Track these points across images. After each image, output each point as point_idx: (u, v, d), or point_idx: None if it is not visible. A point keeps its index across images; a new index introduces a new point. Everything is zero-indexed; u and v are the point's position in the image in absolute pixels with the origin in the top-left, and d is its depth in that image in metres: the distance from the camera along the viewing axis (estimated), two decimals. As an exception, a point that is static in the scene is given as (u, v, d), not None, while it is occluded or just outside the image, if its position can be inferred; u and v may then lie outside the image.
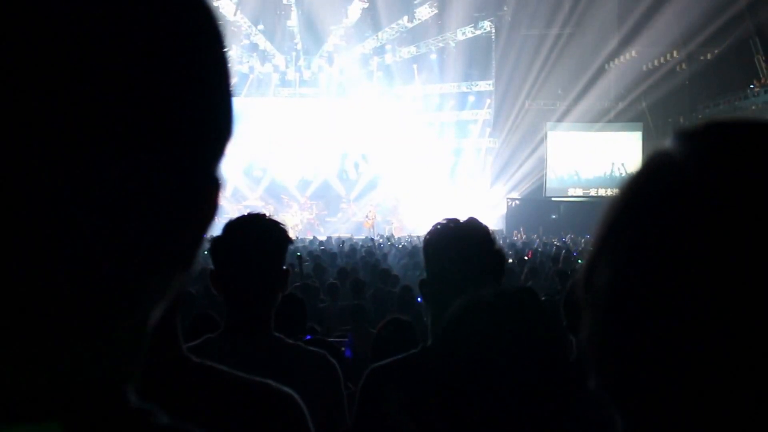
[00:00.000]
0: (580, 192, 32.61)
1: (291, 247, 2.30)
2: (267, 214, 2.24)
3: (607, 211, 0.60)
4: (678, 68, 30.51)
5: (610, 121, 32.66)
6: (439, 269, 2.13)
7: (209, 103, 0.48)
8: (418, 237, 23.21)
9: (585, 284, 0.61)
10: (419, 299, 8.43)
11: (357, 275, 10.17)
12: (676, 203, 0.53)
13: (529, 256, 16.56)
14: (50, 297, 0.42)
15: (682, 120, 30.52)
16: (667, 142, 0.58)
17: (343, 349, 4.12)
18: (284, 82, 34.15)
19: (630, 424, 0.57)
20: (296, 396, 1.57)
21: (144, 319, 0.49)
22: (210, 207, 0.50)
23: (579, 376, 1.19)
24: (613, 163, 32.25)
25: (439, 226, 2.19)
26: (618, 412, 0.59)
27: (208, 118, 0.48)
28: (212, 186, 0.50)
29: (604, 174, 32.44)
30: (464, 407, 1.32)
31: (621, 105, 32.43)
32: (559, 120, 32.65)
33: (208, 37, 0.48)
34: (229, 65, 0.51)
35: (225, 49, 0.50)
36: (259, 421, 1.47)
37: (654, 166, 0.58)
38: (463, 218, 2.21)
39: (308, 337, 4.40)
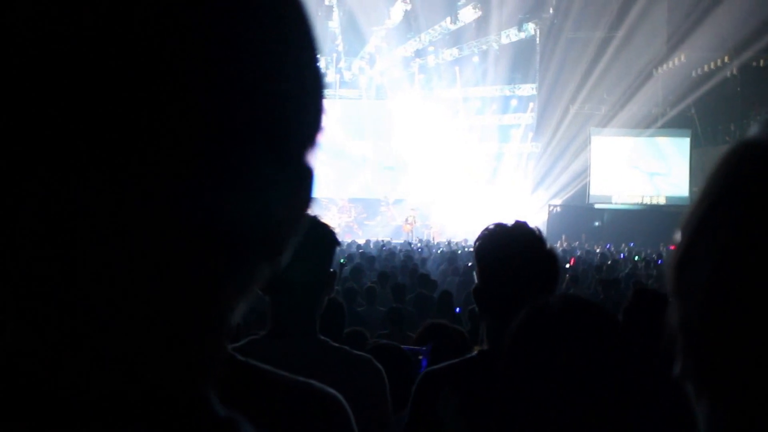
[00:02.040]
0: (624, 199, 32.08)
1: None
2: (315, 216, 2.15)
3: (701, 199, 0.61)
4: (729, 74, 29.79)
5: (656, 128, 32.09)
6: (492, 276, 2.11)
7: (303, 89, 0.48)
8: (457, 243, 22.97)
9: (677, 271, 0.62)
10: (458, 310, 8.42)
11: (396, 280, 10.02)
12: None
13: (572, 263, 16.30)
14: (142, 298, 0.42)
15: (732, 127, 29.85)
16: (754, 131, 0.60)
17: (420, 357, 3.97)
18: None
19: (721, 414, 0.58)
20: (341, 397, 1.57)
21: (227, 321, 0.49)
22: (304, 196, 0.50)
23: (644, 382, 1.39)
24: (659, 171, 31.70)
25: (488, 233, 2.16)
26: (707, 401, 0.60)
27: (303, 104, 0.48)
28: (306, 174, 0.50)
29: (650, 181, 31.90)
30: (534, 415, 1.34)
31: (668, 111, 31.84)
32: (604, 125, 32.20)
33: (302, 30, 0.49)
34: (320, 55, 0.51)
35: (316, 41, 0.50)
36: (303, 421, 1.47)
37: (749, 155, 0.60)
38: (510, 222, 2.18)
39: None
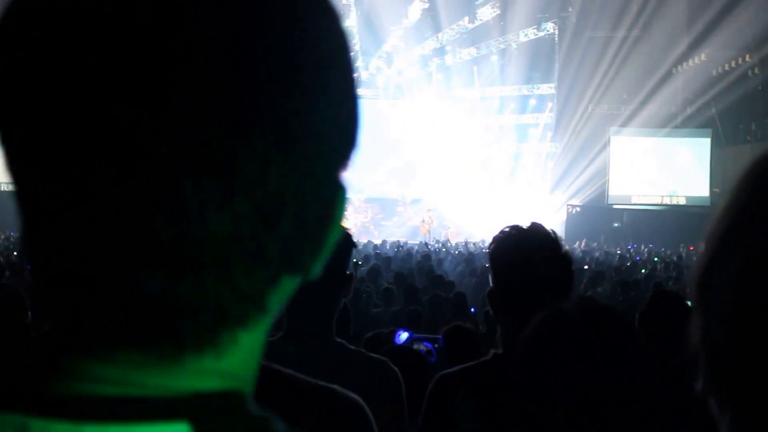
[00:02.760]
0: (644, 200, 31.80)
1: None
2: None
3: (724, 212, 0.60)
4: (750, 73, 29.44)
5: (677, 127, 31.79)
6: (506, 279, 2.10)
7: (337, 111, 0.49)
8: (474, 243, 22.84)
9: (700, 286, 0.61)
10: (473, 310, 8.38)
11: (412, 281, 9.96)
12: None
13: (588, 266, 16.15)
14: (183, 303, 0.45)
15: (753, 126, 29.53)
16: None
17: (427, 348, 3.91)
18: (342, 83, 33.91)
19: (744, 428, 0.58)
20: (362, 402, 1.57)
21: (265, 330, 0.52)
22: (337, 213, 0.52)
23: (662, 390, 1.42)
24: (680, 171, 31.41)
25: (502, 235, 2.15)
26: (730, 417, 0.59)
27: (336, 126, 0.50)
28: (338, 193, 0.52)
29: (671, 182, 31.60)
30: (547, 421, 1.32)
31: (689, 110, 31.52)
32: (624, 125, 31.91)
33: (340, 50, 0.50)
34: (356, 74, 0.52)
35: (353, 62, 0.52)
36: (326, 426, 1.47)
37: None
38: (525, 224, 2.17)
39: (401, 332, 4.20)
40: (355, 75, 0.52)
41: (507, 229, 2.17)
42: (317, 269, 0.52)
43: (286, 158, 0.46)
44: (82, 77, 0.41)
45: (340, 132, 0.50)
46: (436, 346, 4.00)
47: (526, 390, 1.37)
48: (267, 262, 0.47)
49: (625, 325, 1.43)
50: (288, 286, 0.51)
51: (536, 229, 2.15)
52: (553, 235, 2.15)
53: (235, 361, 0.49)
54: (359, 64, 33.51)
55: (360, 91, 0.48)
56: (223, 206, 0.44)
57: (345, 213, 0.52)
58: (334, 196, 0.51)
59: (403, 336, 3.72)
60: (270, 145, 0.45)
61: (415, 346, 3.80)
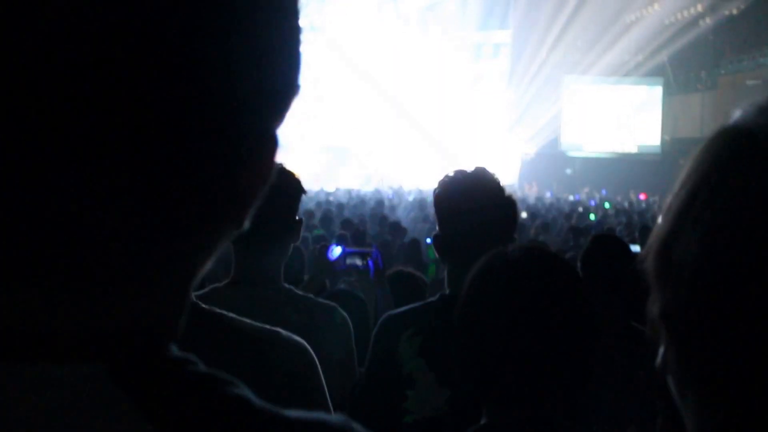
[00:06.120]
0: (596, 147, 32.08)
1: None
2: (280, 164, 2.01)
3: (683, 183, 0.59)
4: (701, 22, 29.64)
5: (629, 75, 31.94)
6: (451, 222, 2.13)
7: (272, 59, 0.47)
8: (427, 190, 22.96)
9: (661, 254, 0.59)
10: (429, 241, 8.46)
11: (364, 227, 10.01)
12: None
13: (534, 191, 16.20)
14: (102, 242, 0.43)
15: (703, 75, 29.87)
16: (738, 114, 0.58)
17: (368, 259, 3.90)
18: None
19: (710, 416, 0.55)
20: (306, 345, 1.58)
21: (190, 277, 0.50)
22: (266, 167, 0.50)
23: (601, 334, 1.42)
24: (631, 119, 31.68)
25: (447, 179, 2.18)
26: (693, 400, 0.57)
27: (271, 75, 0.47)
28: (270, 145, 0.50)
29: (623, 129, 31.87)
30: (490, 363, 1.35)
31: (641, 58, 31.64)
32: (578, 73, 31.97)
33: (288, 13, 0.48)
34: (299, 21, 0.49)
35: (294, 5, 0.49)
36: (268, 369, 1.46)
37: (734, 140, 0.58)
38: (471, 169, 2.19)
39: (334, 247, 4.18)
40: (298, 21, 0.49)
41: (452, 174, 2.19)
42: (247, 222, 0.51)
43: (215, 111, 0.44)
44: None
45: (274, 82, 0.47)
46: (367, 259, 3.98)
47: (467, 329, 1.40)
48: (189, 210, 0.45)
49: (567, 268, 1.45)
50: (219, 237, 0.50)
51: (480, 174, 2.17)
52: (497, 179, 2.17)
53: (155, 301, 0.47)
54: (311, 10, 33.00)
55: (303, 36, 0.49)
56: (149, 156, 0.42)
57: (274, 164, 0.50)
58: (269, 150, 0.49)
59: (337, 251, 3.66)
60: (195, 97, 0.43)
61: (348, 261, 3.79)
